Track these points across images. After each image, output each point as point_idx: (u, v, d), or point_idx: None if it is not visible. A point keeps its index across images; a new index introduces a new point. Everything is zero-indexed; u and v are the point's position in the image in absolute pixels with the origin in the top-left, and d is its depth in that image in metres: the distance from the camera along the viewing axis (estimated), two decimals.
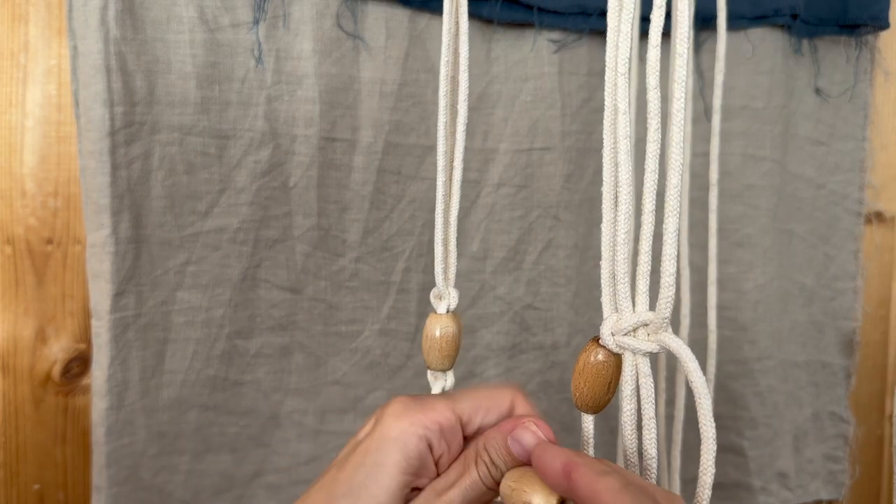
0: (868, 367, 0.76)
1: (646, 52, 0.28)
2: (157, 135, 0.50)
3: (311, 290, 0.56)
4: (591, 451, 0.32)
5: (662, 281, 0.26)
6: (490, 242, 0.61)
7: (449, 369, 0.37)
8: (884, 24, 0.67)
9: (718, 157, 0.54)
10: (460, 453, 0.31)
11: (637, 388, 0.29)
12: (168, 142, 0.50)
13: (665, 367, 0.58)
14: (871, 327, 0.75)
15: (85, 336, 0.54)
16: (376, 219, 0.57)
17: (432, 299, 0.37)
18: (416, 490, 0.30)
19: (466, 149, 0.56)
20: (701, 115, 0.62)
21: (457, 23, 0.34)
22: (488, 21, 0.58)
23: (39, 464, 0.54)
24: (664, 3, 0.26)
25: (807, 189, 0.70)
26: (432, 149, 0.57)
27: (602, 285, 0.30)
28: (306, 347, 0.57)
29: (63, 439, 0.55)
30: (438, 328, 0.36)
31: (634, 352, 0.28)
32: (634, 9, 0.28)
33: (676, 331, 0.52)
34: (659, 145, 0.27)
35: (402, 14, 0.55)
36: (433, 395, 0.32)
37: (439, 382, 0.37)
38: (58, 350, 0.54)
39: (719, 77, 0.52)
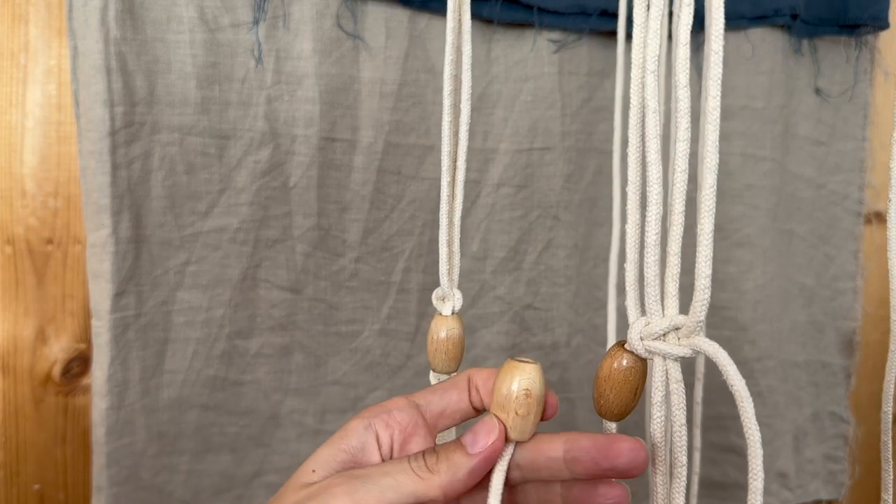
0: (868, 367, 0.76)
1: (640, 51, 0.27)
2: (158, 135, 0.50)
3: (311, 290, 0.56)
4: None
5: (697, 283, 0.26)
6: (490, 242, 0.61)
7: (454, 371, 0.37)
8: (884, 24, 0.67)
9: (718, 156, 0.54)
10: (429, 442, 0.31)
11: (667, 394, 0.28)
12: (168, 142, 0.50)
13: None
14: (871, 327, 0.75)
15: (85, 336, 0.54)
16: (376, 219, 0.57)
17: (435, 301, 0.36)
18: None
19: (467, 149, 0.56)
20: (699, 114, 0.62)
21: (459, 21, 0.34)
22: (488, 21, 0.58)
23: (40, 463, 0.54)
24: (692, 1, 0.26)
25: (807, 189, 0.70)
26: (432, 149, 0.57)
27: (627, 288, 0.29)
28: (306, 347, 0.57)
29: (63, 439, 0.55)
30: (444, 330, 0.35)
31: (665, 356, 0.27)
32: (664, 6, 0.27)
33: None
34: (687, 144, 0.26)
35: (402, 14, 0.55)
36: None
37: None
38: (58, 350, 0.54)
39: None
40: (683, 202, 0.26)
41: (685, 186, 0.26)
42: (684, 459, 0.28)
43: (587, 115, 0.62)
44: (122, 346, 0.51)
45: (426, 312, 0.59)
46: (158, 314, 0.52)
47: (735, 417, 0.73)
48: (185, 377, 0.53)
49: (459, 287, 0.37)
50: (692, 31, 0.27)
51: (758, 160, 0.65)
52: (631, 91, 0.28)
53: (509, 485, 0.30)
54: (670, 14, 0.49)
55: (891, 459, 0.40)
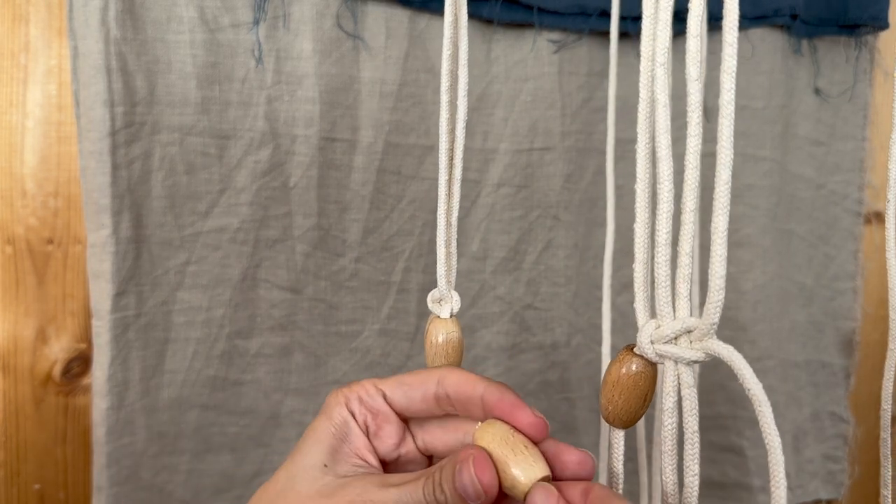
0: (868, 367, 0.76)
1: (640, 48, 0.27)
2: (158, 135, 0.50)
3: (311, 289, 0.56)
4: (621, 469, 0.29)
5: (711, 283, 0.24)
6: (490, 242, 0.61)
7: None
8: (883, 24, 0.67)
9: (704, 157, 0.54)
10: (396, 436, 0.32)
11: (679, 400, 0.26)
12: (168, 142, 0.50)
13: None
14: (870, 327, 0.75)
15: (85, 336, 0.54)
16: (376, 219, 0.57)
17: (431, 304, 0.35)
18: (358, 465, 0.31)
19: (466, 149, 0.56)
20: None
21: (456, 16, 0.34)
22: (488, 21, 0.58)
23: (40, 463, 0.55)
24: None
25: (807, 189, 0.70)
26: (432, 149, 0.57)
27: (635, 289, 0.27)
28: (306, 347, 0.57)
29: (63, 439, 0.55)
30: (443, 333, 0.34)
31: (677, 361, 0.26)
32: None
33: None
34: (699, 139, 0.25)
35: (402, 14, 0.55)
36: (370, 378, 0.32)
37: None
38: (58, 350, 0.54)
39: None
40: (695, 200, 0.25)
41: (698, 184, 0.25)
42: (697, 469, 0.26)
43: (587, 115, 0.62)
44: (123, 345, 0.51)
45: (426, 312, 0.59)
46: (159, 314, 0.52)
47: (735, 417, 0.74)
48: (186, 377, 0.53)
49: (459, 287, 0.36)
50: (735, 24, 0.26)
51: (757, 160, 0.65)
52: (640, 85, 0.27)
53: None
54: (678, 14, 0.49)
55: (890, 456, 0.40)
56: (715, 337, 0.25)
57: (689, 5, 0.25)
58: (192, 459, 0.54)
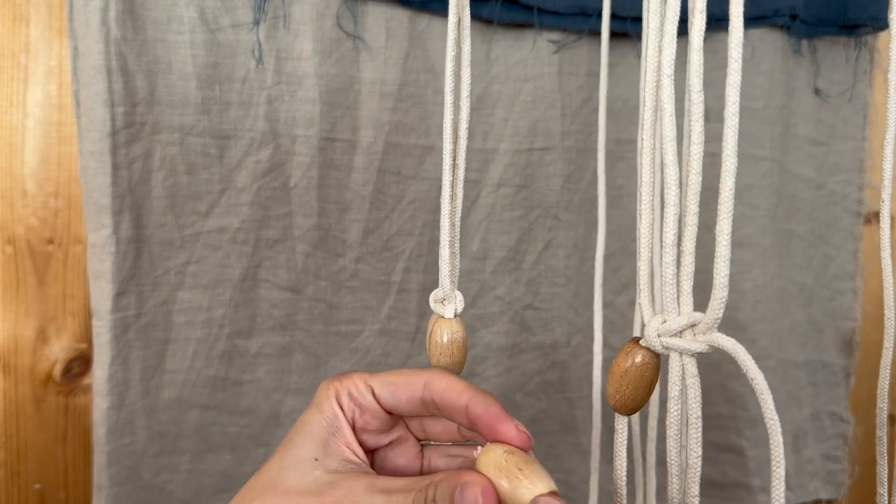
0: (867, 367, 0.76)
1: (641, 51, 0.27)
2: (158, 135, 0.50)
3: (312, 289, 0.56)
4: (624, 454, 0.31)
5: (715, 280, 0.26)
6: (490, 242, 0.61)
7: (458, 374, 0.36)
8: (883, 25, 0.67)
9: (704, 156, 0.54)
10: (382, 427, 0.32)
11: (684, 388, 0.28)
12: (169, 142, 0.50)
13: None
14: (870, 327, 0.75)
15: (86, 336, 0.55)
16: (376, 219, 0.57)
17: (433, 304, 0.36)
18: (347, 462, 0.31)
19: (467, 149, 0.56)
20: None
21: (460, 17, 0.34)
22: (488, 21, 0.58)
23: (40, 463, 0.55)
24: (705, 7, 0.26)
25: (806, 189, 0.71)
26: (432, 149, 0.58)
27: (639, 287, 0.30)
28: (306, 347, 0.57)
29: (64, 439, 0.55)
30: (447, 333, 0.34)
31: (682, 353, 0.28)
32: (678, 9, 0.27)
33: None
34: (701, 147, 0.26)
35: (402, 14, 0.55)
36: (360, 371, 0.33)
37: None
38: (59, 350, 0.54)
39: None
40: (698, 203, 0.27)
41: (699, 188, 0.27)
42: (700, 451, 0.29)
43: (587, 116, 0.62)
44: (123, 345, 0.51)
45: (426, 312, 0.60)
46: (159, 314, 0.52)
47: (734, 417, 0.74)
48: (186, 377, 0.53)
49: (459, 287, 0.36)
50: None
51: (757, 160, 0.66)
52: (644, 93, 0.29)
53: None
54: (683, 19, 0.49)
55: (886, 455, 0.40)
56: (717, 331, 0.27)
57: (692, 19, 0.26)
58: (192, 459, 0.54)
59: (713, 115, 0.58)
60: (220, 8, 0.51)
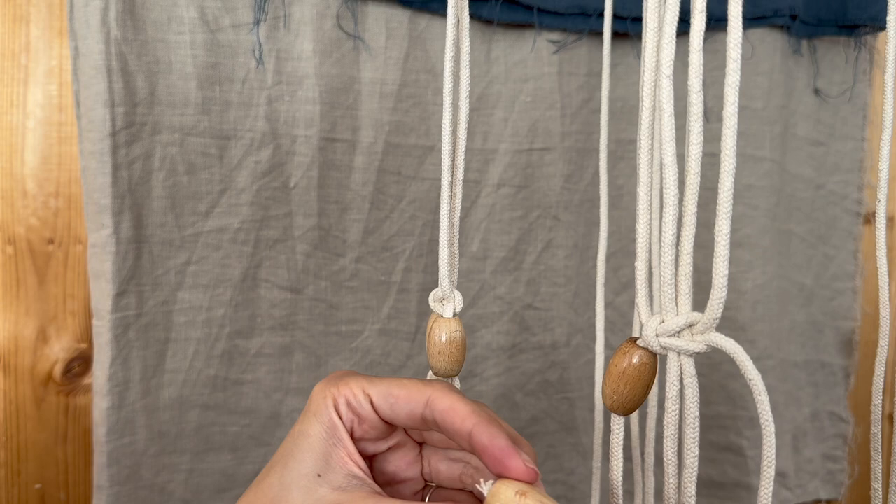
0: (867, 367, 0.76)
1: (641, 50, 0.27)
2: (158, 135, 0.50)
3: (312, 289, 0.56)
4: (620, 454, 0.31)
5: (714, 281, 0.26)
6: (490, 242, 0.61)
7: (457, 374, 0.36)
8: (883, 25, 0.67)
9: (702, 157, 0.54)
10: (380, 435, 0.32)
11: (682, 388, 0.28)
12: (169, 142, 0.50)
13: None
14: (870, 327, 0.75)
15: (86, 336, 0.55)
16: (376, 219, 0.57)
17: (432, 303, 0.36)
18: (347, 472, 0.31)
19: (467, 149, 0.56)
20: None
21: (459, 17, 0.34)
22: (488, 22, 0.58)
23: (41, 463, 0.55)
24: (704, 7, 0.26)
25: (806, 189, 0.71)
26: (432, 149, 0.58)
27: (637, 287, 0.30)
28: (307, 347, 0.57)
29: (64, 439, 0.55)
30: (446, 332, 0.34)
31: (681, 353, 0.28)
32: (677, 10, 0.27)
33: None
34: (700, 147, 0.26)
35: (402, 15, 0.55)
36: (355, 373, 0.32)
37: None
38: (59, 350, 0.54)
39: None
40: (696, 203, 0.27)
41: (698, 188, 0.27)
42: (697, 451, 0.28)
43: (587, 116, 0.62)
44: (123, 345, 0.51)
45: (426, 312, 0.60)
46: (159, 314, 0.52)
47: (734, 417, 0.74)
48: (186, 377, 0.53)
49: (459, 287, 0.36)
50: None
51: (757, 160, 0.66)
52: (642, 94, 0.28)
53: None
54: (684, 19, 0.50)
55: (881, 451, 0.40)
56: (715, 331, 0.27)
57: (692, 20, 0.26)
58: (192, 459, 0.54)
59: (713, 116, 0.58)
60: (220, 8, 0.51)
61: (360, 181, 0.56)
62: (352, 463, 0.30)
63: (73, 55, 0.48)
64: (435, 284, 0.36)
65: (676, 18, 0.27)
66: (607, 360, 0.55)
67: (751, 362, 0.26)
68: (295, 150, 0.54)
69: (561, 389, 0.64)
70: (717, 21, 0.57)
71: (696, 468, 0.28)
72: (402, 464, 0.33)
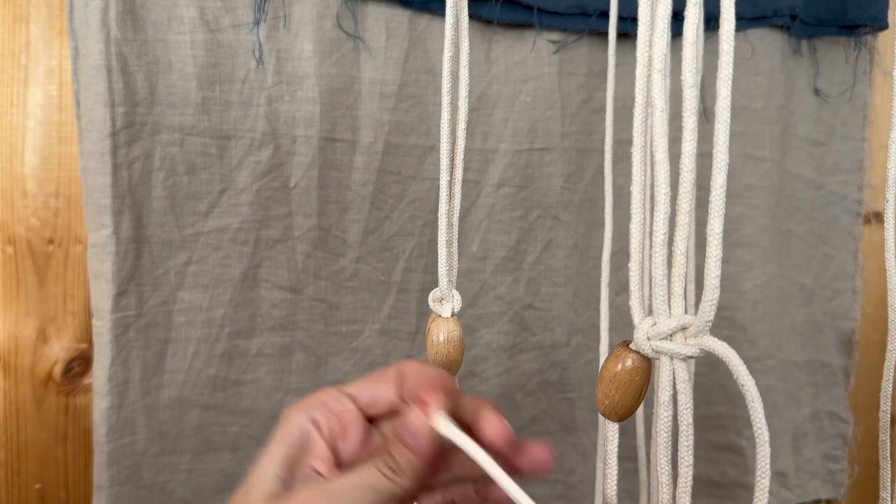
0: (867, 366, 0.76)
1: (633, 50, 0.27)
2: (158, 135, 0.50)
3: (312, 289, 0.56)
4: (615, 462, 0.30)
5: (707, 282, 0.25)
6: (490, 242, 0.61)
7: (455, 374, 0.36)
8: (883, 25, 0.67)
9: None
10: (364, 431, 0.32)
11: (675, 393, 0.27)
12: (169, 142, 0.50)
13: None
14: (870, 327, 0.75)
15: (86, 336, 0.55)
16: (376, 219, 0.57)
17: (432, 303, 0.36)
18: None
19: (466, 149, 0.56)
20: (701, 115, 0.62)
21: (457, 18, 0.34)
22: (488, 22, 0.58)
23: (41, 463, 0.55)
24: (700, 1, 0.26)
25: (806, 189, 0.71)
26: (432, 149, 0.58)
27: (630, 288, 0.29)
28: (307, 347, 0.57)
29: (64, 439, 0.55)
30: (444, 332, 0.35)
31: (673, 356, 0.27)
32: (670, 5, 0.26)
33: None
34: (695, 144, 0.26)
35: (402, 15, 0.55)
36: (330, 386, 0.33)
37: None
38: (59, 350, 0.54)
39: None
40: (690, 202, 0.26)
41: (692, 187, 0.26)
42: (691, 459, 0.27)
43: (587, 116, 0.62)
44: (123, 345, 0.51)
45: (426, 312, 0.60)
46: (159, 314, 0.52)
47: (734, 417, 0.74)
48: (186, 377, 0.53)
49: (459, 287, 0.36)
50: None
51: (757, 160, 0.66)
52: (636, 90, 0.28)
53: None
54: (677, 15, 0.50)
55: (889, 458, 0.40)
56: (709, 334, 0.26)
57: (686, 13, 0.26)
58: (192, 459, 0.54)
59: (712, 116, 0.57)
60: (220, 8, 0.51)
61: (360, 181, 0.56)
62: (321, 463, 0.30)
63: (73, 55, 0.48)
64: (435, 284, 0.36)
65: (669, 13, 0.26)
66: None
67: (744, 367, 0.25)
68: (295, 150, 0.54)
69: (561, 389, 0.64)
70: (717, 21, 0.57)
71: (690, 477, 0.27)
72: None
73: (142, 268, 0.51)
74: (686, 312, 0.27)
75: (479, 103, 0.59)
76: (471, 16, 0.55)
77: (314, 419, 0.31)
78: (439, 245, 0.35)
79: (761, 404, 0.25)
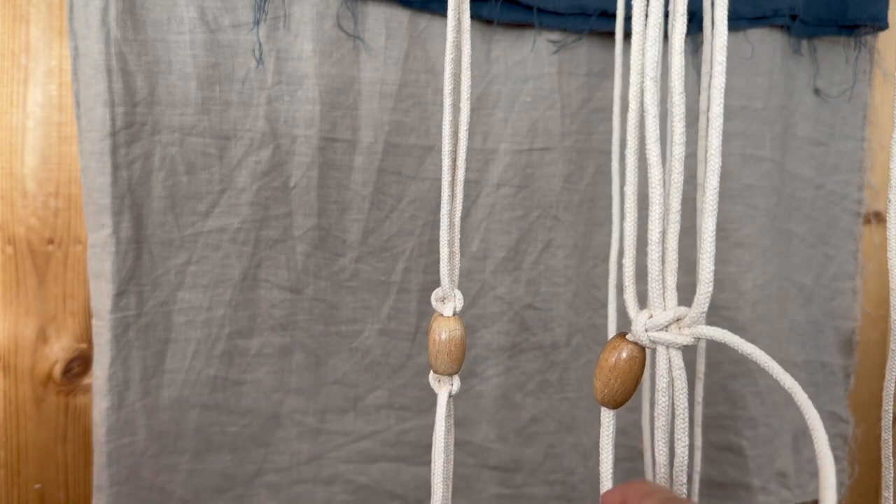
0: (867, 366, 0.76)
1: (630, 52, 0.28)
2: (158, 135, 0.50)
3: (312, 289, 0.56)
4: (611, 446, 0.32)
5: (700, 276, 0.27)
6: (490, 242, 0.61)
7: (456, 373, 0.36)
8: (883, 25, 0.67)
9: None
10: None
11: (671, 380, 0.29)
12: (169, 142, 0.50)
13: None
14: (870, 327, 0.75)
15: (86, 336, 0.55)
16: (376, 219, 0.57)
17: (434, 302, 0.36)
18: None
19: (467, 149, 0.56)
20: (699, 115, 0.62)
21: (459, 20, 0.34)
22: (488, 22, 0.58)
23: (41, 463, 0.55)
24: (685, 11, 0.27)
25: (806, 189, 0.71)
26: (432, 149, 0.58)
27: (625, 283, 0.30)
28: (307, 347, 0.57)
29: (64, 439, 0.55)
30: (446, 331, 0.35)
31: (669, 346, 0.29)
32: (661, 13, 0.28)
33: None
34: (683, 147, 0.27)
35: (402, 15, 0.55)
36: None
37: (445, 387, 0.37)
38: (59, 350, 0.54)
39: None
40: (680, 202, 0.28)
41: (682, 187, 0.28)
42: (686, 440, 0.29)
43: (587, 116, 0.62)
44: (123, 345, 0.51)
45: (426, 312, 0.60)
46: (159, 314, 0.52)
47: (734, 417, 0.73)
48: (186, 377, 0.53)
49: (459, 287, 0.37)
50: (690, 32, 0.28)
51: (757, 160, 0.66)
52: (630, 95, 0.29)
53: None
54: (665, 15, 0.50)
55: (891, 458, 0.40)
56: (703, 323, 0.28)
57: (673, 23, 0.27)
58: (192, 459, 0.54)
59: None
60: (220, 8, 0.51)
61: (360, 181, 0.56)
62: None
63: (73, 55, 0.48)
64: (435, 284, 0.37)
65: (660, 22, 0.28)
66: None
67: (743, 342, 0.27)
68: (295, 150, 0.54)
69: (560, 389, 0.64)
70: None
71: (685, 458, 0.29)
72: None
73: (142, 268, 0.51)
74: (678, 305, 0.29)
75: (479, 103, 0.59)
76: (471, 16, 0.55)
77: None
78: (441, 245, 0.35)
79: (775, 363, 0.27)
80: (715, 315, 0.66)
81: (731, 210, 0.65)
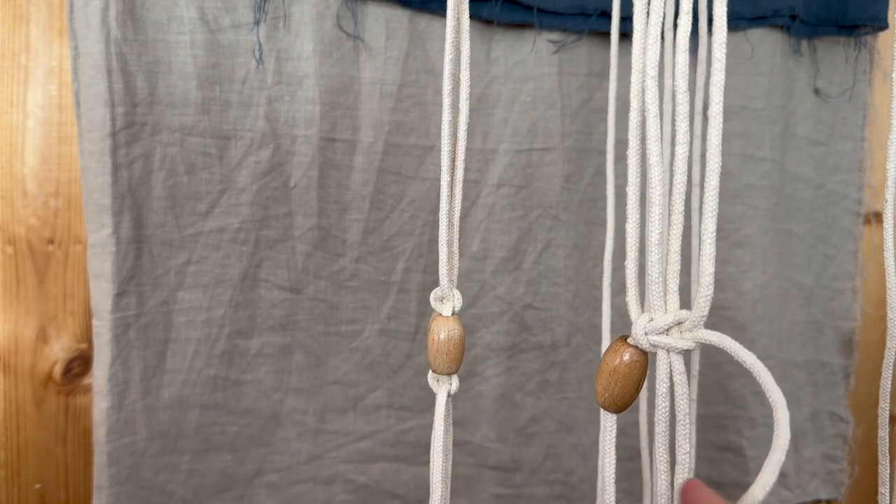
0: (867, 366, 0.76)
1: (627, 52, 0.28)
2: (158, 135, 0.50)
3: (312, 289, 0.56)
4: (613, 450, 0.32)
5: (701, 280, 0.27)
6: (490, 242, 0.61)
7: (455, 372, 0.36)
8: (883, 25, 0.67)
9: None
10: None
11: (672, 385, 0.29)
12: (169, 142, 0.50)
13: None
14: (870, 327, 0.75)
15: (86, 336, 0.55)
16: (376, 219, 0.57)
17: (433, 302, 0.36)
18: None
19: (466, 149, 0.56)
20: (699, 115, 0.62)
21: (458, 20, 0.34)
22: (488, 22, 0.58)
23: (41, 463, 0.55)
24: (691, 9, 0.27)
25: (806, 189, 0.71)
26: (432, 149, 0.58)
27: (627, 286, 0.30)
28: (307, 347, 0.57)
29: (64, 439, 0.55)
30: (445, 331, 0.35)
31: (669, 350, 0.28)
32: (663, 13, 0.28)
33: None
34: (687, 147, 0.27)
35: (402, 15, 0.55)
36: None
37: (444, 387, 0.37)
38: (59, 350, 0.54)
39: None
40: (682, 202, 0.27)
41: (685, 188, 0.27)
42: (688, 447, 0.28)
43: (587, 116, 0.62)
44: (123, 345, 0.51)
45: (426, 312, 0.60)
46: (159, 314, 0.52)
47: (734, 417, 0.73)
48: (186, 377, 0.53)
49: (459, 287, 0.36)
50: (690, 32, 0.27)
51: (757, 160, 0.66)
52: (631, 95, 0.29)
53: None
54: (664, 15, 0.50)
55: (888, 455, 0.40)
56: (703, 327, 0.28)
57: (678, 21, 0.26)
58: (192, 459, 0.54)
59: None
60: (220, 8, 0.51)
61: (360, 181, 0.56)
62: None
63: (73, 55, 0.48)
64: (435, 284, 0.36)
65: (661, 22, 0.28)
66: None
67: (742, 348, 0.26)
68: (295, 150, 0.54)
69: (560, 389, 0.64)
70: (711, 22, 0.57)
71: (686, 465, 0.28)
72: None
73: (142, 268, 0.51)
74: (679, 308, 0.28)
75: (479, 103, 0.59)
76: (471, 16, 0.55)
77: None
78: (440, 245, 0.35)
79: (768, 374, 0.26)
80: (715, 315, 0.66)
81: (731, 210, 0.65)
